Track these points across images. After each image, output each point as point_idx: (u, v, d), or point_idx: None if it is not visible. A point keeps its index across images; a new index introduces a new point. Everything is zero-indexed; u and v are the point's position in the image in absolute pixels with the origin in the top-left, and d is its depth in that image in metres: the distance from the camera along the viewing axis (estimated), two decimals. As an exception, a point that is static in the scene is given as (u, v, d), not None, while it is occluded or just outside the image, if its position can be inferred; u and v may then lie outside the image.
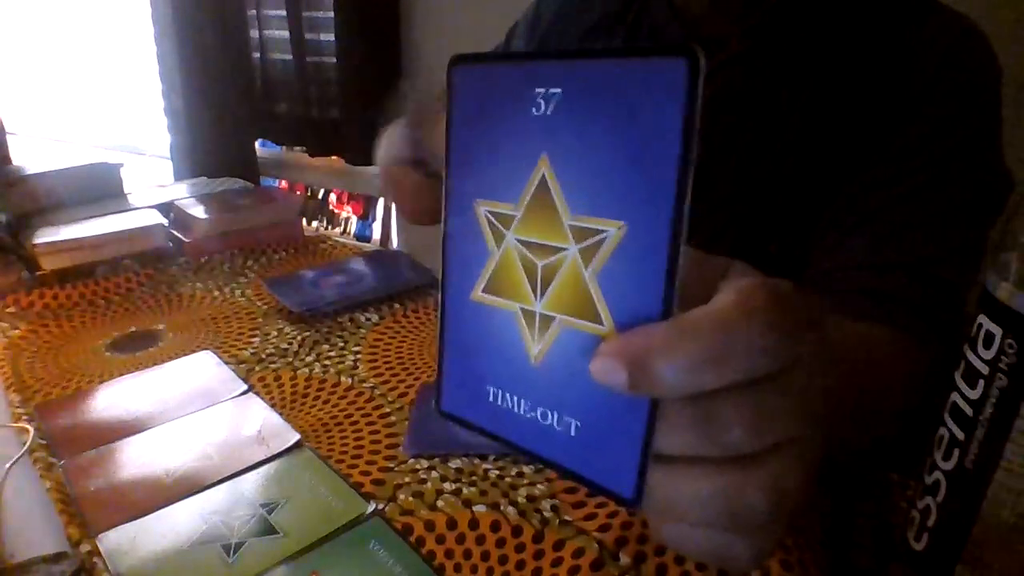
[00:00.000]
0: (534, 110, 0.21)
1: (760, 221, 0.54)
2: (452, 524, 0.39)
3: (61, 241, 0.72)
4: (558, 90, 0.21)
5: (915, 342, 0.47)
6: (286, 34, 1.75)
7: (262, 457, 0.45)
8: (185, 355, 0.58)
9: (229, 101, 1.81)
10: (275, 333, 0.62)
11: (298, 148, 1.98)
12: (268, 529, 0.39)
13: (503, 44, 0.79)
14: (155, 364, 0.57)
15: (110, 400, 0.51)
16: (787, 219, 0.54)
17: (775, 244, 0.53)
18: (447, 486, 0.42)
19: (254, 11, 1.79)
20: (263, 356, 0.58)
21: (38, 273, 0.70)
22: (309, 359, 0.58)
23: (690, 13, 0.60)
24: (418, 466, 0.44)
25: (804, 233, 0.53)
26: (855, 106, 0.52)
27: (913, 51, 0.52)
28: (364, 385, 0.54)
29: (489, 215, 0.23)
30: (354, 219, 2.57)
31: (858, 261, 0.51)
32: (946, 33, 0.53)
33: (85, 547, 0.38)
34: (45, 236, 0.73)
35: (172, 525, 0.39)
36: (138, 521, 0.39)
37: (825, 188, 0.53)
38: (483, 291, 0.24)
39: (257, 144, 1.99)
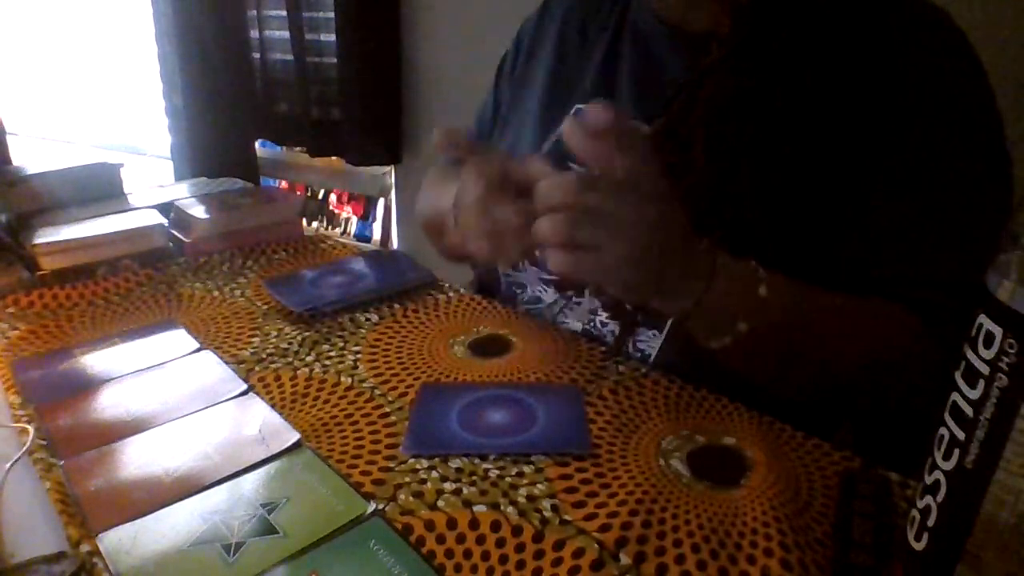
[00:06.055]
0: None
1: (771, 224, 0.54)
2: (452, 524, 0.39)
3: (61, 241, 0.72)
4: None
5: (918, 319, 0.49)
6: (286, 34, 1.75)
7: (262, 457, 0.45)
8: (185, 355, 0.58)
9: (229, 101, 1.81)
10: (275, 333, 0.62)
11: (298, 148, 1.98)
12: (268, 529, 0.39)
13: (492, 85, 0.79)
14: (155, 364, 0.57)
15: (110, 400, 0.52)
16: (793, 218, 0.54)
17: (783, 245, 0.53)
18: (447, 486, 0.43)
19: (254, 11, 1.79)
20: (263, 356, 0.58)
21: (38, 273, 0.70)
22: (309, 359, 0.58)
23: (671, 16, 0.61)
24: (418, 466, 0.44)
25: (806, 231, 0.54)
26: (843, 102, 0.53)
27: (892, 43, 0.53)
28: (364, 385, 0.54)
29: None
30: (354, 219, 2.57)
31: (877, 275, 0.52)
32: (919, 26, 0.54)
33: (85, 547, 0.38)
34: (45, 236, 0.73)
35: (172, 525, 0.39)
36: (138, 521, 0.39)
37: (824, 186, 0.53)
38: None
39: (257, 144, 1.99)
